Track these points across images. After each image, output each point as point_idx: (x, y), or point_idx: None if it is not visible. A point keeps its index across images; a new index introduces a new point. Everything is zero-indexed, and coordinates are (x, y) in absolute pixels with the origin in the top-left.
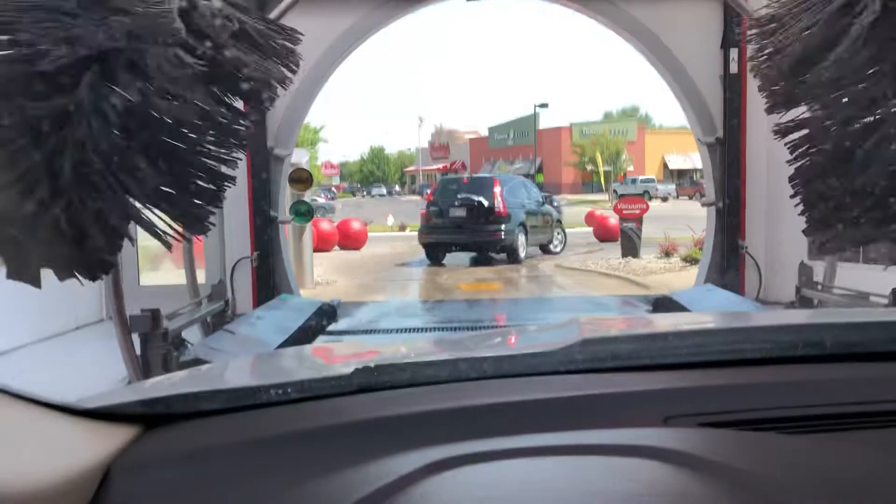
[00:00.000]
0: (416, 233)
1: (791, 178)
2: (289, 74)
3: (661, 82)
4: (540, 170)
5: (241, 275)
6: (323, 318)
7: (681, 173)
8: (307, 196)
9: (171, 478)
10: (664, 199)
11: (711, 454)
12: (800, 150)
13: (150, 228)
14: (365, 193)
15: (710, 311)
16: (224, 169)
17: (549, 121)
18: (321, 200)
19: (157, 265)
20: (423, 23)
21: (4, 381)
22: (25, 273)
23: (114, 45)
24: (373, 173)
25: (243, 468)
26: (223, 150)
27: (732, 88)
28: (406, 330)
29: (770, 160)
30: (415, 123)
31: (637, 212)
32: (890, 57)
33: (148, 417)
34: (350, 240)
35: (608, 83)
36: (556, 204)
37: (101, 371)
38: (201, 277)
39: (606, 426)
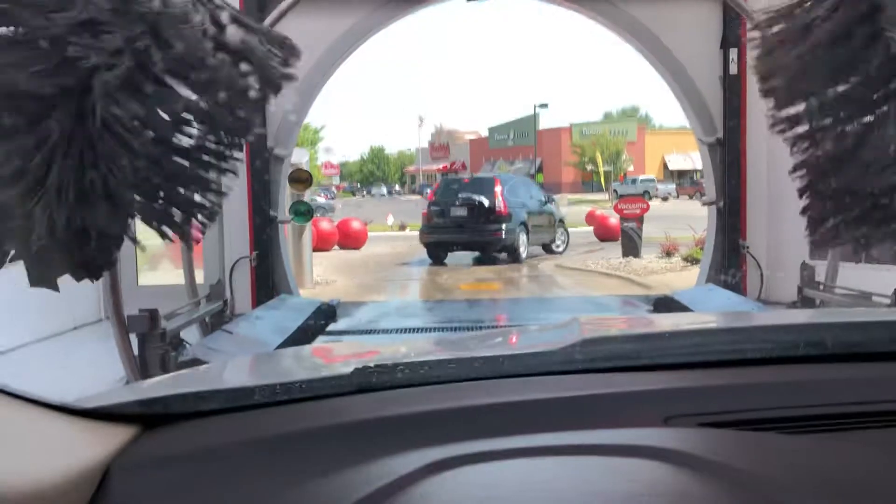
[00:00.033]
0: (417, 232)
1: (795, 169)
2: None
3: (661, 82)
4: (540, 170)
5: (240, 275)
6: (322, 318)
7: (681, 173)
8: (307, 196)
9: (171, 478)
10: (664, 199)
11: (712, 454)
12: (800, 147)
13: (154, 225)
14: (365, 193)
15: (711, 312)
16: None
17: (549, 121)
18: (321, 200)
19: (155, 265)
20: (423, 23)
21: (3, 380)
22: (42, 278)
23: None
24: (373, 173)
25: (243, 468)
26: (223, 152)
27: (732, 89)
28: (406, 330)
29: (771, 160)
30: (415, 123)
31: (637, 211)
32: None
33: (147, 417)
34: (350, 239)
35: (608, 83)
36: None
37: (99, 371)
38: (200, 277)
39: (607, 426)
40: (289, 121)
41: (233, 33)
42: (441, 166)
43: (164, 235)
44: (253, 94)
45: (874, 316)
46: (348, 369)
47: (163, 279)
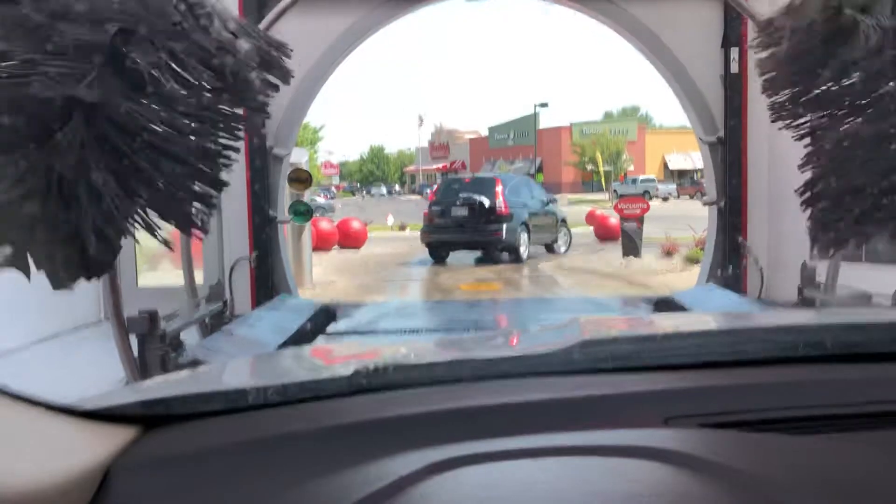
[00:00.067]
0: (417, 232)
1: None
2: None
3: (661, 82)
4: (540, 169)
5: (240, 275)
6: (322, 319)
7: (681, 173)
8: (306, 196)
9: (171, 478)
10: (665, 199)
11: (712, 455)
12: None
13: (151, 229)
14: (365, 193)
15: (712, 312)
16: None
17: (549, 121)
18: (321, 200)
19: (155, 266)
20: (423, 23)
21: (3, 381)
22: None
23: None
24: (372, 173)
25: (243, 469)
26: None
27: (733, 88)
28: (406, 331)
29: (772, 159)
30: (415, 123)
31: (638, 211)
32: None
33: (148, 418)
34: (349, 239)
35: (608, 83)
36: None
37: (99, 372)
38: (199, 278)
39: (607, 427)
40: (288, 120)
41: (232, 35)
42: (441, 166)
43: (166, 243)
44: (253, 94)
45: (874, 316)
46: (348, 370)
47: (162, 280)
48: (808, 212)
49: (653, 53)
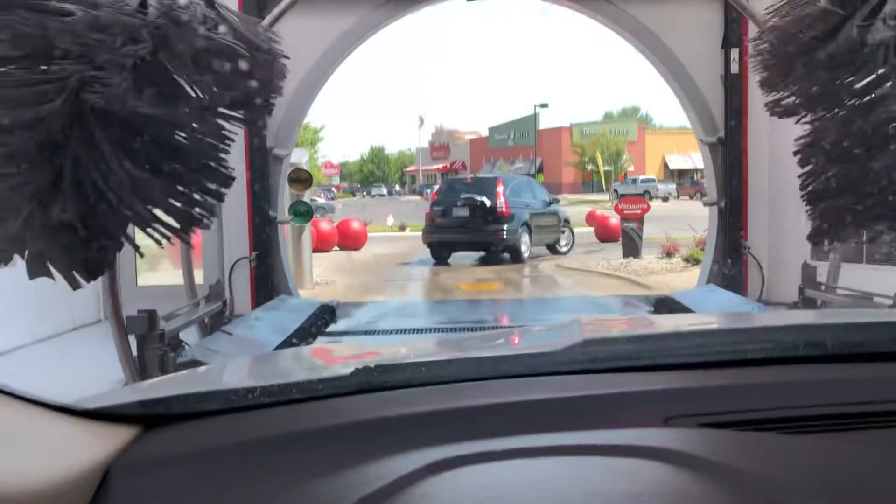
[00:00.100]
0: (417, 233)
1: (801, 164)
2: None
3: (661, 82)
4: (540, 170)
5: (240, 275)
6: (322, 319)
7: (681, 173)
8: (307, 196)
9: (171, 478)
10: (665, 199)
11: (712, 454)
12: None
13: (148, 229)
14: (365, 193)
15: (712, 312)
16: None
17: (550, 121)
18: (321, 200)
19: (154, 265)
20: (423, 23)
21: (3, 380)
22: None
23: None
24: (373, 173)
25: (243, 468)
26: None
27: (733, 88)
28: (406, 331)
29: (772, 159)
30: (415, 123)
31: (638, 212)
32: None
33: (147, 418)
34: (350, 240)
35: (608, 83)
36: None
37: (98, 372)
38: (199, 278)
39: (607, 426)
40: (288, 121)
41: (231, 36)
42: (441, 166)
43: (166, 238)
44: (252, 94)
45: (875, 316)
46: (348, 370)
47: (162, 280)
48: (808, 211)
49: (653, 54)
